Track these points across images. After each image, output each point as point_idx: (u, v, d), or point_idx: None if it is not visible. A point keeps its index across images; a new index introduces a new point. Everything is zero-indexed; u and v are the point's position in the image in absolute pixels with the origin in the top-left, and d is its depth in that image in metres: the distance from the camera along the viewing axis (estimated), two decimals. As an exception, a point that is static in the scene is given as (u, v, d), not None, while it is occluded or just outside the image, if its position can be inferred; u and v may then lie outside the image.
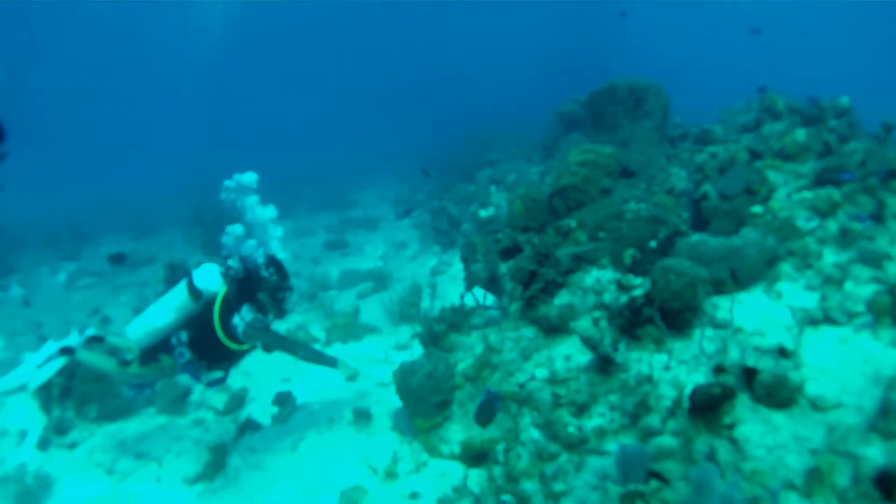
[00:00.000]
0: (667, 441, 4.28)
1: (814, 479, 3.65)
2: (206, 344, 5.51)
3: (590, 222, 6.50)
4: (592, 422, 4.80)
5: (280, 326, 7.72)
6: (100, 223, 20.26)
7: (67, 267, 15.98)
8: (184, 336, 5.53)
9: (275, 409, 6.82)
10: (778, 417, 4.15)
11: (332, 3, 44.10)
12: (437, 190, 16.10)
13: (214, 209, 12.83)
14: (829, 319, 4.91)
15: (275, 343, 5.54)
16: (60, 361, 5.42)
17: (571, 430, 4.78)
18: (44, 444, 6.86)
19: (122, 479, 6.18)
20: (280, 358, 5.91)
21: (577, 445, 4.72)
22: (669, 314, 5.07)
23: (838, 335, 4.76)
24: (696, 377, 4.67)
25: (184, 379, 6.79)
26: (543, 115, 15.31)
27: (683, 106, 10.77)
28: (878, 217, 5.76)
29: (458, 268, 10.04)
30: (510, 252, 6.72)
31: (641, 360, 4.99)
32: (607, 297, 5.68)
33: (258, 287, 5.50)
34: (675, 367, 4.82)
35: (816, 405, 4.14)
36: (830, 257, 5.57)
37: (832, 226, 5.84)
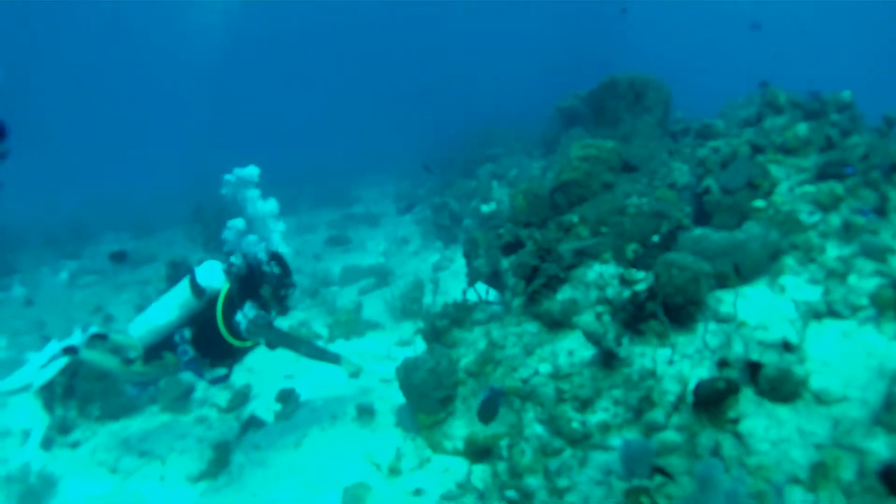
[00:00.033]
0: (671, 436, 4.27)
1: (819, 473, 3.65)
2: (209, 341, 5.51)
3: (592, 217, 6.49)
4: (596, 417, 4.80)
5: (283, 323, 7.72)
6: (101, 222, 20.25)
7: (69, 266, 15.96)
8: (187, 333, 5.53)
9: (278, 406, 6.81)
10: (782, 411, 4.15)
11: (332, 1, 44.07)
12: (439, 186, 16.09)
13: (215, 206, 12.84)
14: (832, 313, 4.90)
15: (278, 340, 5.53)
16: (63, 361, 5.42)
17: (575, 425, 4.77)
18: (47, 444, 6.86)
19: (125, 478, 6.18)
20: (283, 355, 5.91)
21: (580, 441, 4.71)
22: (672, 308, 5.07)
23: (842, 329, 4.75)
24: (699, 372, 4.66)
25: (187, 376, 6.79)
26: (544, 111, 15.30)
27: (684, 102, 10.76)
28: (881, 211, 5.75)
29: (460, 263, 10.03)
30: (512, 247, 6.71)
31: (645, 355, 4.99)
32: (610, 292, 5.67)
33: (261, 283, 5.50)
34: (678, 362, 4.81)
35: (821, 399, 4.13)
36: (833, 251, 5.56)
37: (835, 220, 5.83)
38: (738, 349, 4.67)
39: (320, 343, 8.48)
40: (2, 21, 35.63)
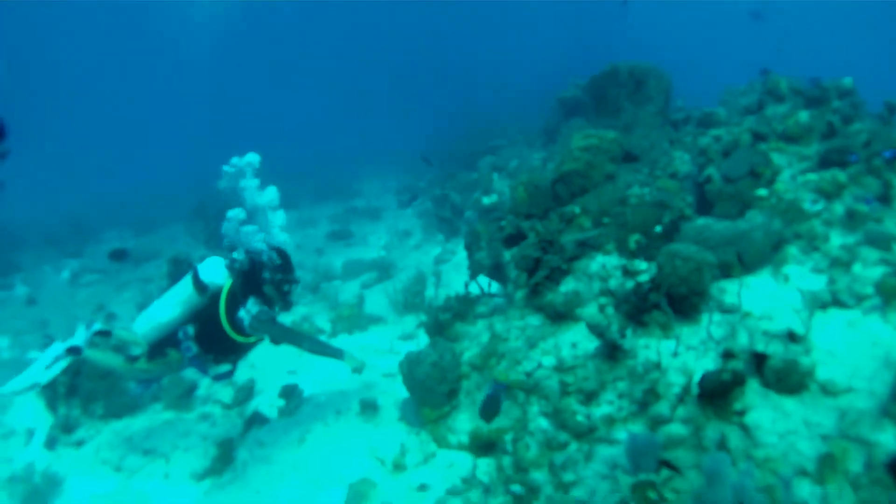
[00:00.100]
0: (677, 429, 4.25)
1: (826, 465, 3.62)
2: (212, 337, 5.49)
3: (594, 208, 6.46)
4: (601, 410, 4.78)
5: (285, 318, 7.70)
6: (102, 220, 20.22)
7: (71, 264, 15.94)
8: (190, 330, 5.52)
9: (281, 402, 6.80)
10: (789, 403, 4.12)
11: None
12: (440, 178, 16.04)
13: (217, 203, 12.80)
14: (837, 302, 4.87)
15: (281, 335, 5.51)
16: (67, 360, 5.40)
17: (580, 418, 4.75)
18: (51, 443, 6.85)
19: (129, 476, 6.18)
20: (286, 350, 5.89)
21: (585, 434, 4.69)
22: (676, 299, 5.04)
23: (847, 318, 4.72)
24: (704, 363, 4.64)
25: (190, 373, 6.77)
26: (545, 101, 15.21)
27: (685, 91, 10.71)
28: (885, 198, 5.72)
29: (461, 256, 10.00)
30: (514, 239, 6.68)
31: (649, 347, 4.96)
32: (613, 284, 5.64)
33: (263, 279, 5.48)
34: (683, 354, 4.78)
35: (827, 390, 4.11)
36: (837, 239, 5.53)
37: (838, 208, 5.79)
38: (742, 340, 4.64)
39: (323, 338, 8.46)
40: (2, 21, 35.53)
